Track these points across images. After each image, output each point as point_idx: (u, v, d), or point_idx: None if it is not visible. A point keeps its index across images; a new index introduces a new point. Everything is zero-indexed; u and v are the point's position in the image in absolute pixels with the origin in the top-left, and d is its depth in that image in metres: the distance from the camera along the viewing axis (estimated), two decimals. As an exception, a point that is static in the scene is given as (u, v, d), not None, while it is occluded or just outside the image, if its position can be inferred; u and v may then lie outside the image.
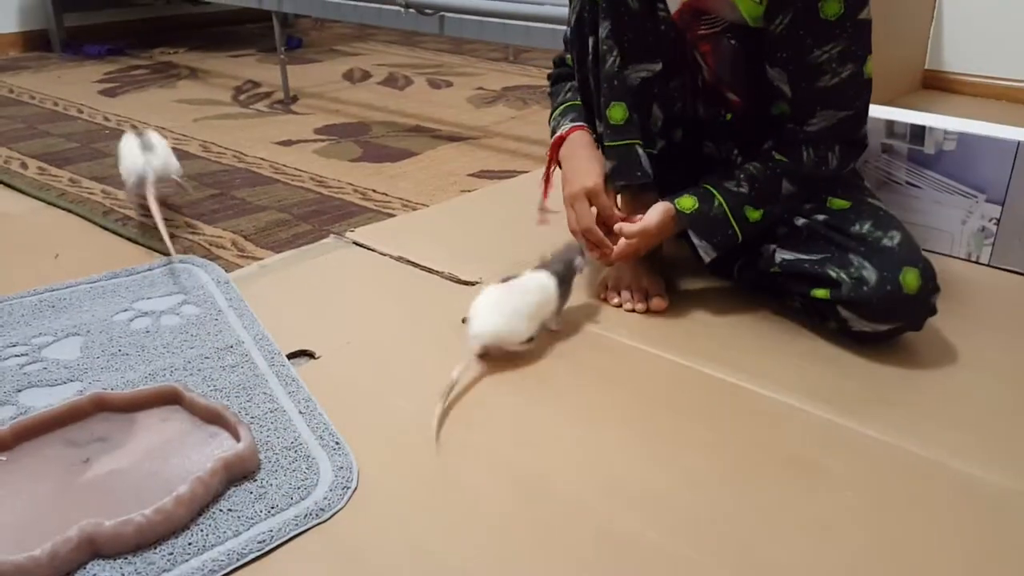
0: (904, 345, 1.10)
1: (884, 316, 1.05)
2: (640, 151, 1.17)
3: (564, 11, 1.73)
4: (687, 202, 1.13)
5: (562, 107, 1.30)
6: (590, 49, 1.18)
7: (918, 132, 1.37)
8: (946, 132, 1.34)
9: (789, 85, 1.11)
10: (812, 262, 1.11)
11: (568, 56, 1.32)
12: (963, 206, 1.35)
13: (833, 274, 1.07)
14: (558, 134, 1.25)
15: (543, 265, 1.14)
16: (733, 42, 1.15)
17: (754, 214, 1.13)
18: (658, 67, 1.16)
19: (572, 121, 1.26)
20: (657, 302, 1.20)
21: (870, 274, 1.04)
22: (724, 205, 1.12)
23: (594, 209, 1.18)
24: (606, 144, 1.18)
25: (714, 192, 1.13)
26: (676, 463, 0.89)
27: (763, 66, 1.14)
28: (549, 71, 1.39)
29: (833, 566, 0.75)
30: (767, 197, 1.13)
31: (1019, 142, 1.28)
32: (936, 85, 2.50)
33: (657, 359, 1.08)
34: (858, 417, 0.96)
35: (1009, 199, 1.31)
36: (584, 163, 1.20)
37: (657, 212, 1.13)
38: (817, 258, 1.10)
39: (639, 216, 1.15)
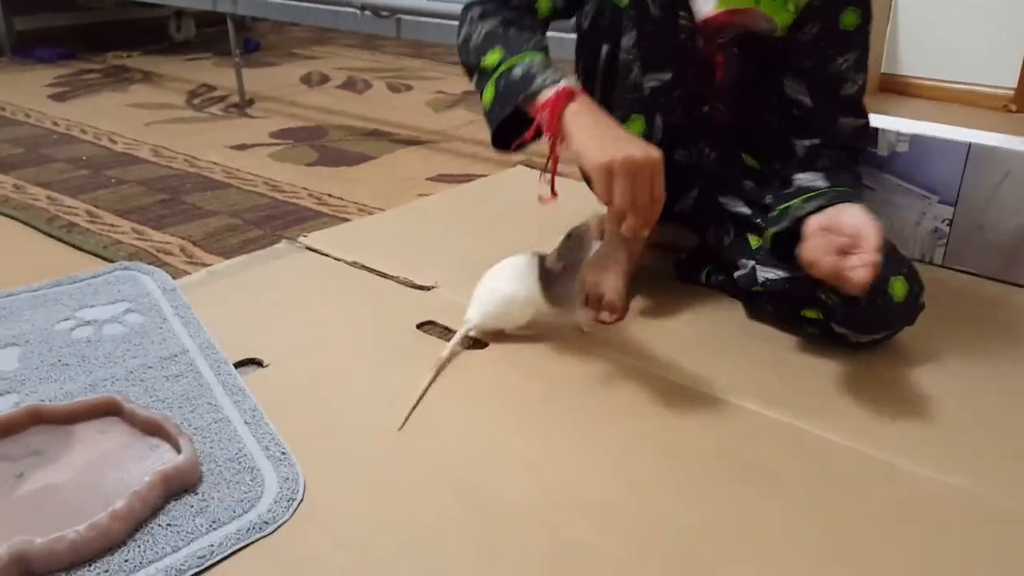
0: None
1: (880, 327, 1.06)
2: None
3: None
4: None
5: (540, 54, 1.03)
6: (603, 57, 1.11)
7: (872, 134, 1.37)
8: (899, 134, 1.35)
9: (809, 95, 1.12)
10: (796, 281, 1.10)
11: None
12: (916, 207, 1.36)
13: (822, 296, 1.07)
14: (563, 86, 0.97)
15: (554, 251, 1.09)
16: (740, 52, 1.14)
17: None
18: (668, 77, 1.11)
19: (556, 81, 0.99)
20: (604, 316, 1.18)
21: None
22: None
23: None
24: None
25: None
26: (627, 470, 0.87)
27: (763, 77, 1.13)
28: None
29: (788, 574, 0.74)
30: None
31: (970, 143, 1.29)
32: (892, 88, 2.53)
33: (614, 362, 1.07)
34: (813, 419, 0.96)
35: (961, 200, 1.32)
36: (624, 132, 0.95)
37: (868, 216, 0.98)
38: (800, 275, 1.08)
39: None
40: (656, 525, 0.80)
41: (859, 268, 0.91)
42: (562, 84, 0.97)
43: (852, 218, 0.97)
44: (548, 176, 1.04)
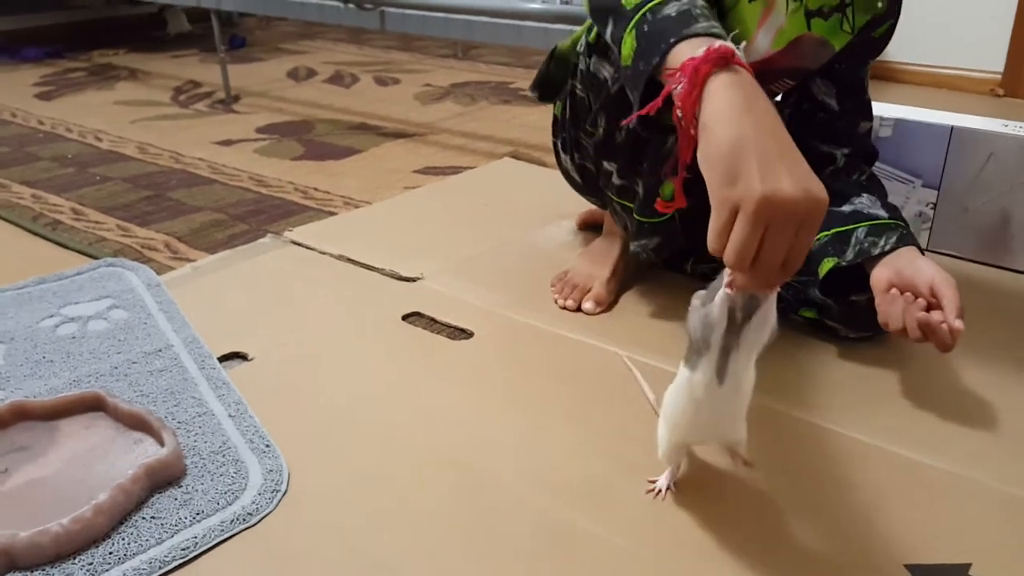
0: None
1: (875, 327, 1.02)
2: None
3: (506, 3, 1.72)
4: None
5: None
6: (631, 125, 0.93)
7: (856, 119, 1.38)
8: (882, 119, 1.35)
9: (836, 99, 1.11)
10: (794, 284, 1.09)
11: None
12: (901, 192, 1.36)
13: (819, 297, 1.07)
14: (718, 45, 0.68)
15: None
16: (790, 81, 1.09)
17: None
18: None
19: (716, 35, 0.72)
20: (588, 307, 1.17)
21: (858, 297, 1.03)
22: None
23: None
24: (653, 220, 1.07)
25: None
26: (615, 454, 0.88)
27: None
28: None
29: (776, 553, 0.75)
30: None
31: (952, 127, 1.30)
32: (879, 75, 2.53)
33: (605, 352, 1.07)
34: (798, 404, 0.96)
35: (944, 184, 1.33)
36: (787, 140, 0.65)
37: (939, 271, 0.95)
38: (799, 279, 1.09)
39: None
40: (643, 506, 0.80)
41: (944, 327, 0.89)
42: (719, 43, 0.68)
43: (926, 275, 0.95)
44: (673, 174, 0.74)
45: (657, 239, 1.10)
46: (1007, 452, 0.88)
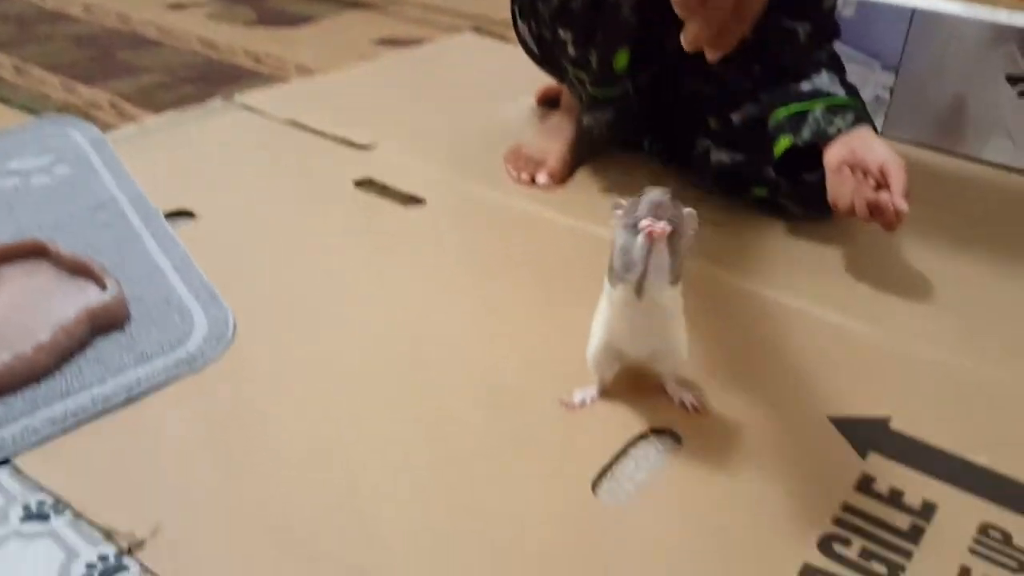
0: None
1: (825, 207, 1.01)
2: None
3: None
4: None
5: None
6: None
7: None
8: (845, -2, 1.33)
9: None
10: (748, 163, 1.09)
11: None
12: (859, 75, 1.36)
13: (772, 175, 1.06)
14: None
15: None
16: None
17: None
18: None
19: None
20: (542, 180, 1.16)
21: (810, 176, 1.03)
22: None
23: None
24: (607, 94, 1.06)
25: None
26: (563, 320, 0.89)
27: None
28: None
29: (707, 407, 0.77)
30: None
31: (914, 9, 1.29)
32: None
33: (551, 223, 1.08)
34: (739, 271, 0.98)
35: (903, 67, 1.32)
36: None
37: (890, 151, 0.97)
38: (753, 157, 1.08)
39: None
40: (583, 372, 0.81)
41: (890, 207, 0.92)
42: None
43: (877, 155, 0.96)
44: None
45: (611, 113, 1.09)
46: (935, 321, 0.91)
